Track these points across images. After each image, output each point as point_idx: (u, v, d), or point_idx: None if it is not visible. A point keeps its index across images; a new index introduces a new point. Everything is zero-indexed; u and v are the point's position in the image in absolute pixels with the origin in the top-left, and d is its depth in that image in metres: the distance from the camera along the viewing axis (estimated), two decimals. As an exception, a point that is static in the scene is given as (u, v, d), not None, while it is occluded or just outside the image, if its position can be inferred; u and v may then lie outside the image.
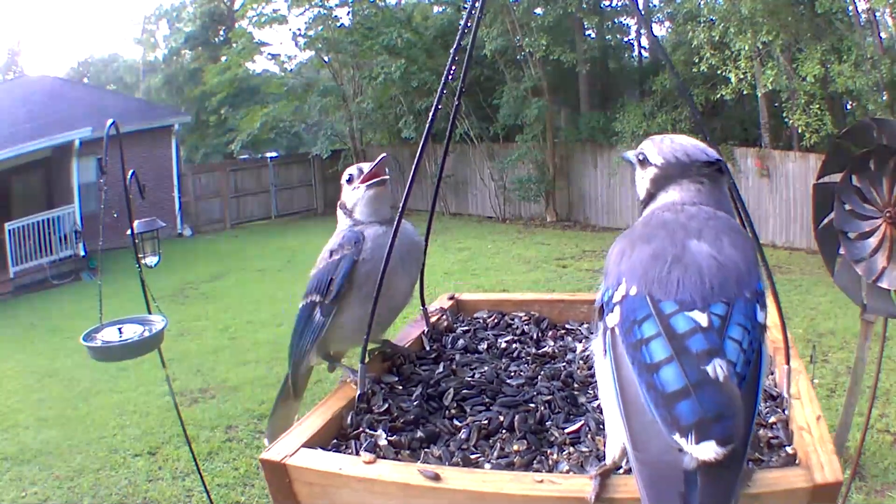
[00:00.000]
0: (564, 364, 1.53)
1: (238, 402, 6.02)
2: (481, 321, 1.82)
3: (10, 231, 12.43)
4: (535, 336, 1.71)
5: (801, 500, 0.96)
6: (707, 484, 0.78)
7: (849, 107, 12.24)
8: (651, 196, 1.14)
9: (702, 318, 0.88)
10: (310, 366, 1.57)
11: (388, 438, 1.20)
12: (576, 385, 1.41)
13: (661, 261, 0.95)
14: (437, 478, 1.02)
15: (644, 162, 1.15)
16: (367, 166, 1.54)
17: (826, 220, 3.14)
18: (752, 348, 0.88)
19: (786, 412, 1.20)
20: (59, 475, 4.92)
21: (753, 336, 0.89)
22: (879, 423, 4.81)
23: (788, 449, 1.11)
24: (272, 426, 1.63)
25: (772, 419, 1.20)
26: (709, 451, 0.78)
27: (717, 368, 0.83)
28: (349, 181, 1.55)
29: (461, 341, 1.67)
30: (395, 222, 1.37)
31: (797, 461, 1.06)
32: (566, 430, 1.23)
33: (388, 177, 1.52)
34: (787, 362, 1.24)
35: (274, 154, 20.85)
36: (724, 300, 0.90)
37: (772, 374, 1.35)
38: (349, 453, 1.18)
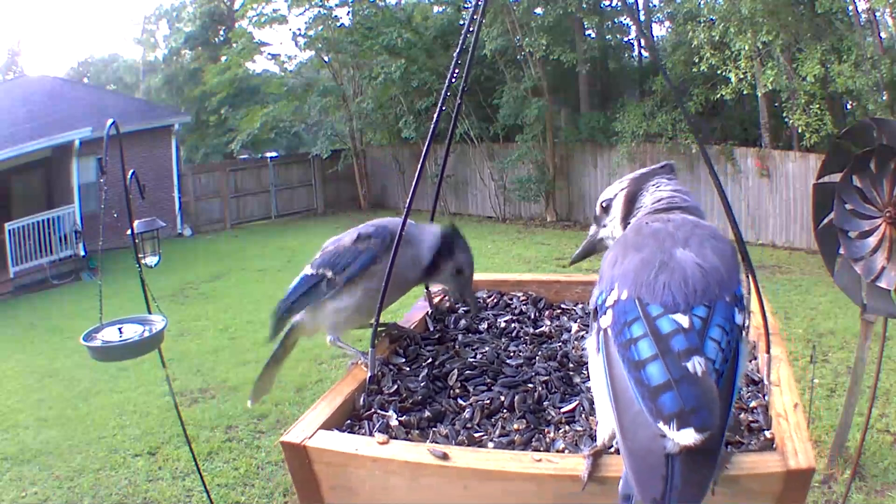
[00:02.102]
0: (560, 344, 1.59)
1: (238, 402, 6.02)
2: (481, 301, 1.88)
3: (10, 231, 12.43)
4: (532, 316, 1.78)
5: (775, 484, 1.00)
6: (687, 467, 0.86)
7: (849, 107, 12.25)
8: (628, 214, 1.27)
9: (683, 320, 0.97)
10: (296, 334, 1.64)
11: (399, 419, 1.26)
12: (571, 365, 1.47)
13: (649, 267, 1.05)
14: (445, 457, 1.08)
15: (607, 205, 1.32)
16: (466, 285, 1.63)
17: (826, 220, 3.15)
18: (729, 347, 0.96)
19: (766, 398, 1.25)
20: (59, 475, 4.92)
21: (731, 336, 0.98)
22: (879, 423, 4.80)
23: (767, 433, 1.16)
24: (256, 389, 1.74)
25: (752, 403, 1.25)
26: (688, 436, 0.85)
27: (696, 365, 0.92)
28: (457, 272, 1.60)
29: (463, 321, 1.73)
30: (401, 223, 1.40)
31: (774, 446, 1.10)
32: (562, 410, 1.29)
33: None
34: (768, 351, 1.30)
35: (274, 154, 20.85)
36: (706, 303, 0.99)
37: (754, 359, 1.41)
38: (363, 434, 1.23)
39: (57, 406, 6.32)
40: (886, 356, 5.09)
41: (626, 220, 1.28)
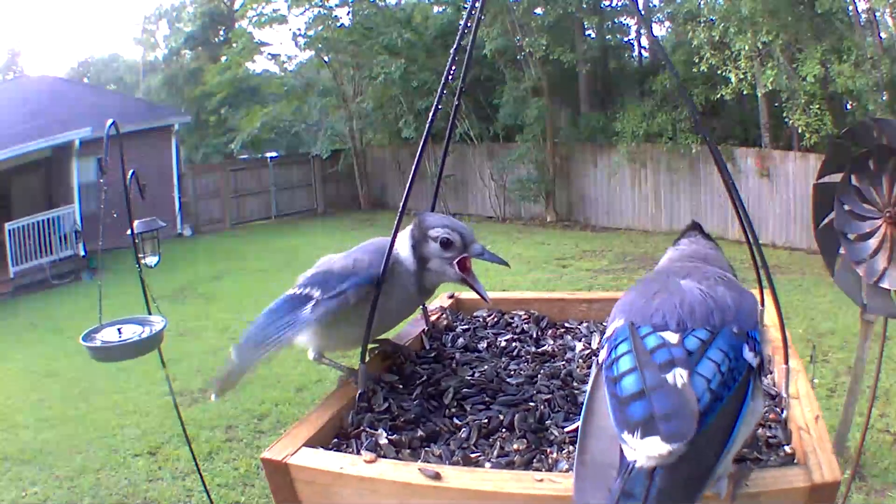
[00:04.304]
0: (564, 363, 1.53)
1: (238, 402, 6.02)
2: (481, 319, 1.82)
3: (10, 231, 12.43)
4: (534, 335, 1.70)
5: (799, 499, 0.96)
6: (665, 485, 0.78)
7: (849, 107, 12.24)
8: None
9: (672, 337, 0.93)
10: (268, 356, 1.39)
11: (389, 437, 1.20)
12: (575, 384, 1.41)
13: (647, 295, 1.03)
14: (437, 477, 1.02)
15: None
16: (471, 245, 1.40)
17: (826, 220, 3.14)
18: (732, 375, 0.89)
19: (784, 412, 1.20)
20: (59, 475, 4.92)
21: (736, 366, 0.91)
22: (879, 423, 4.81)
23: (787, 448, 1.11)
24: (222, 386, 1.43)
25: (770, 416, 1.20)
26: (653, 446, 0.79)
27: (676, 376, 0.86)
28: (445, 245, 1.38)
29: (461, 340, 1.67)
30: (395, 224, 1.36)
31: (795, 460, 1.06)
32: (566, 429, 1.23)
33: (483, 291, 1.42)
34: (786, 362, 1.24)
35: (274, 154, 20.84)
36: (708, 328, 0.94)
37: (771, 373, 1.36)
38: (350, 452, 1.18)
39: (57, 406, 6.32)
40: (886, 356, 5.08)
41: None
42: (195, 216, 17.49)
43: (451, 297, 1.93)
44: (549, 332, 1.73)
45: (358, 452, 1.16)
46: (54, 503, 4.60)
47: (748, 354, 0.93)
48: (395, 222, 1.36)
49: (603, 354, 0.99)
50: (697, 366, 0.88)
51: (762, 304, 1.50)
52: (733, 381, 0.89)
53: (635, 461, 0.80)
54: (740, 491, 0.94)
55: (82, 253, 13.33)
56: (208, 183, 17.89)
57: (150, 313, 2.96)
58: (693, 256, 1.22)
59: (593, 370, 1.03)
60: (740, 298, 1.01)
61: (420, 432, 1.23)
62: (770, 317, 1.47)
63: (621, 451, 0.82)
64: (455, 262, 1.39)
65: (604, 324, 1.72)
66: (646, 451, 0.79)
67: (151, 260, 3.35)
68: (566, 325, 1.78)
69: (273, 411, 5.79)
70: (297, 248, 13.52)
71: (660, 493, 0.78)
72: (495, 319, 1.81)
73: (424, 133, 1.38)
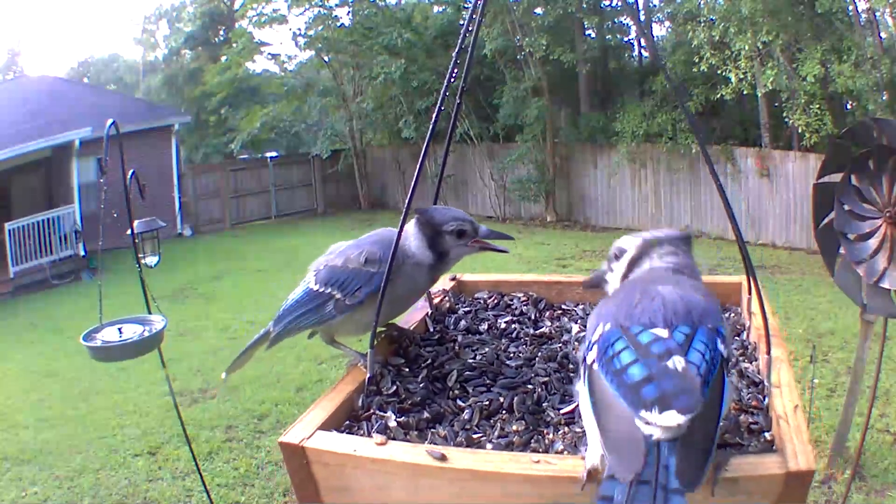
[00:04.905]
0: (561, 345, 1.58)
1: (238, 402, 6.02)
2: (482, 301, 1.87)
3: (10, 231, 12.43)
4: (533, 316, 1.76)
5: (775, 486, 1.00)
6: (680, 451, 0.87)
7: (849, 107, 12.25)
8: (627, 274, 1.29)
9: (662, 332, 1.03)
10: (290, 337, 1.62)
11: (398, 420, 1.26)
12: (571, 366, 1.46)
13: (631, 300, 1.11)
14: (443, 458, 1.09)
15: (619, 254, 1.31)
16: (479, 228, 1.54)
17: (826, 220, 3.15)
18: (713, 363, 0.99)
19: (765, 399, 1.24)
20: (59, 475, 4.92)
21: (716, 356, 1.01)
22: (879, 423, 4.81)
23: (767, 435, 1.15)
24: (233, 365, 1.75)
25: (753, 403, 1.25)
26: (671, 418, 0.88)
27: (675, 362, 0.96)
28: (459, 235, 1.50)
29: (463, 322, 1.72)
30: (400, 224, 1.40)
31: (774, 448, 1.09)
32: (561, 411, 1.29)
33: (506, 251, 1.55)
34: (768, 352, 1.29)
35: (274, 154, 20.85)
36: (688, 324, 1.04)
37: (755, 360, 1.41)
38: (361, 434, 1.23)
39: (57, 406, 6.32)
40: (886, 356, 5.08)
41: (623, 279, 1.31)
42: (195, 216, 17.49)
43: (454, 279, 1.97)
44: (547, 313, 1.78)
45: (369, 434, 1.22)
46: (54, 503, 4.60)
47: (721, 347, 1.04)
48: (401, 220, 1.41)
49: (592, 355, 1.05)
50: (687, 355, 0.99)
51: (749, 293, 1.57)
52: (714, 367, 1.00)
53: (652, 435, 0.89)
54: (721, 475, 0.98)
55: (82, 253, 13.33)
56: (208, 183, 17.89)
57: (150, 313, 2.96)
58: (669, 268, 1.26)
59: (581, 374, 1.07)
60: (708, 303, 1.12)
61: (426, 414, 1.29)
62: (754, 306, 1.50)
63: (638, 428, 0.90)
64: (470, 242, 1.52)
65: None
66: (664, 422, 0.88)
67: (151, 260, 3.35)
68: (563, 307, 1.83)
69: (273, 411, 5.79)
70: (297, 248, 13.52)
71: (678, 462, 0.87)
72: (495, 301, 1.86)
73: (427, 134, 1.41)
